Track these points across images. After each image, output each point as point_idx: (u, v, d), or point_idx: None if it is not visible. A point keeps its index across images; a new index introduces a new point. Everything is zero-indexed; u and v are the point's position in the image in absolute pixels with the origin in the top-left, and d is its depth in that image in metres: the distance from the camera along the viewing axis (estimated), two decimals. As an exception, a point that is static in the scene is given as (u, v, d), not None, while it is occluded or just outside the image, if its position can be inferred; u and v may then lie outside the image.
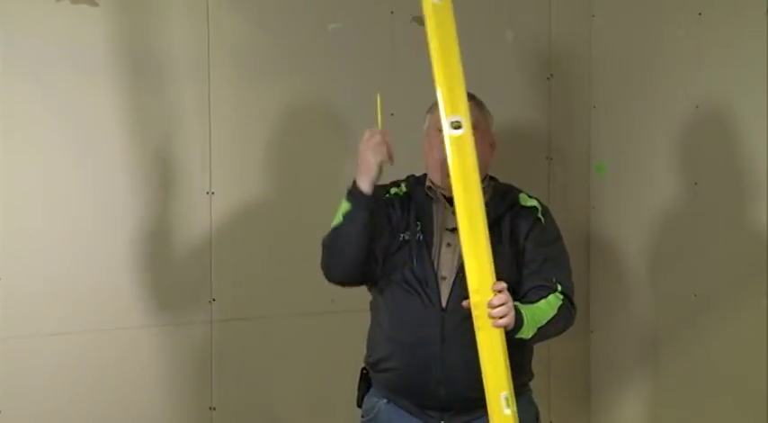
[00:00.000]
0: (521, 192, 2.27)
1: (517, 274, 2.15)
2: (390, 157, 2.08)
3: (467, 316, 2.03)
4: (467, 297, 1.98)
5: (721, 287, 2.84)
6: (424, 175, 2.29)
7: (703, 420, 2.91)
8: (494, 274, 1.94)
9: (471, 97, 2.26)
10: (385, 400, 2.21)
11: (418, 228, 2.18)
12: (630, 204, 3.23)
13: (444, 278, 2.15)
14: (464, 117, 1.95)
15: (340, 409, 2.88)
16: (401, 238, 2.18)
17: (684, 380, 2.99)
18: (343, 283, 2.24)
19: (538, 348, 2.24)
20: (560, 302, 2.11)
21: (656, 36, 3.10)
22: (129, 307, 2.63)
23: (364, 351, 2.30)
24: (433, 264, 2.15)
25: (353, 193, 2.09)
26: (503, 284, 1.94)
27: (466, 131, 1.95)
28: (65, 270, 2.56)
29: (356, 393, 2.30)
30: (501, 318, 1.91)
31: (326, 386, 2.91)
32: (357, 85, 2.95)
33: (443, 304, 2.13)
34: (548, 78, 3.35)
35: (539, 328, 2.05)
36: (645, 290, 3.16)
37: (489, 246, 1.95)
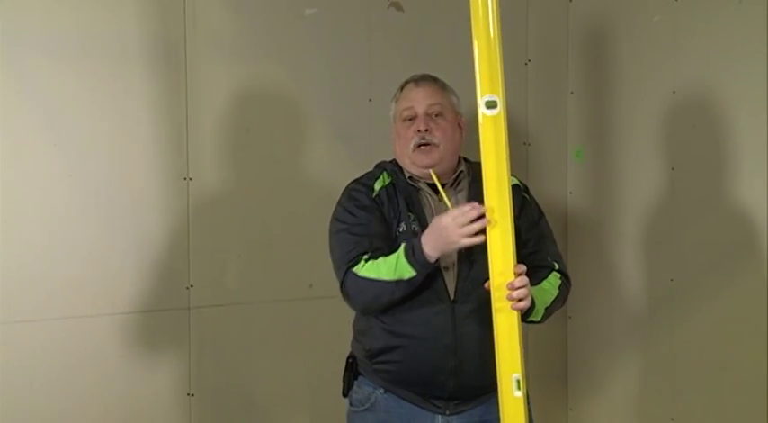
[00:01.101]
0: None
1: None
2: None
3: (476, 306, 2.03)
4: (475, 287, 1.99)
5: (698, 272, 2.86)
6: (394, 161, 2.26)
7: (681, 404, 2.94)
8: (515, 257, 1.94)
9: (434, 80, 2.24)
10: (382, 390, 2.16)
11: (411, 219, 2.12)
12: (608, 190, 3.25)
13: (447, 269, 2.10)
14: (499, 97, 1.92)
15: (319, 394, 2.89)
16: (399, 231, 2.12)
17: (661, 365, 3.01)
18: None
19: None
20: (560, 281, 2.16)
21: (633, 22, 3.11)
22: (106, 293, 2.61)
23: (346, 337, 2.29)
24: None
25: (422, 262, 1.97)
26: (523, 267, 1.94)
27: (500, 111, 1.92)
28: (40, 257, 2.53)
29: (341, 382, 2.25)
30: (520, 300, 1.92)
31: (305, 372, 2.91)
32: (334, 70, 2.95)
33: (451, 296, 2.09)
34: (525, 64, 3.35)
35: (546, 309, 2.08)
36: (622, 275, 3.18)
37: (513, 228, 1.93)
